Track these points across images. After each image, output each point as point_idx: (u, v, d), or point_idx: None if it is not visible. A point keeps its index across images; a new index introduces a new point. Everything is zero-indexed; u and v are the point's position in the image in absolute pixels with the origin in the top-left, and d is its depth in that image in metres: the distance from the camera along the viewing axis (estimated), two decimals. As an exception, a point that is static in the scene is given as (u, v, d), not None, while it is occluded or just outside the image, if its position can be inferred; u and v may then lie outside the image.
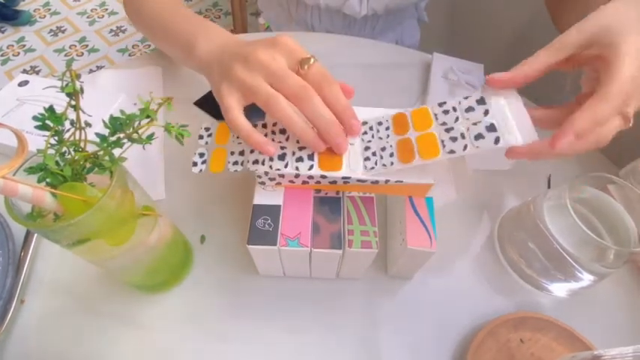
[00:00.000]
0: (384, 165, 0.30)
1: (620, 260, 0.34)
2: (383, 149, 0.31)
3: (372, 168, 0.30)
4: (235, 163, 0.32)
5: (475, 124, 0.29)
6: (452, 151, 0.28)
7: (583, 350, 0.34)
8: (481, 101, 0.29)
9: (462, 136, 0.28)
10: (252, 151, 0.32)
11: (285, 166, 0.31)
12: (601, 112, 0.26)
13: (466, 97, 0.30)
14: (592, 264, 0.34)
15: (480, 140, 0.28)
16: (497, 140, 0.27)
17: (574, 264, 0.34)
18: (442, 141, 0.29)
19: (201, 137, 0.35)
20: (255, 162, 0.32)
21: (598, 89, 0.26)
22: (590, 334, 0.35)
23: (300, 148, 0.32)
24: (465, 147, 0.28)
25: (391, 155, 0.30)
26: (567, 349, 0.35)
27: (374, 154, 0.31)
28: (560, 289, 0.38)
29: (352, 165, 0.30)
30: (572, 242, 0.34)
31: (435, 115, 0.31)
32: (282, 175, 0.32)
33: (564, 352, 0.35)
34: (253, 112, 0.32)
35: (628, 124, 0.28)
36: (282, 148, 0.32)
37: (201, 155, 0.33)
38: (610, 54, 0.26)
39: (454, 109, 0.30)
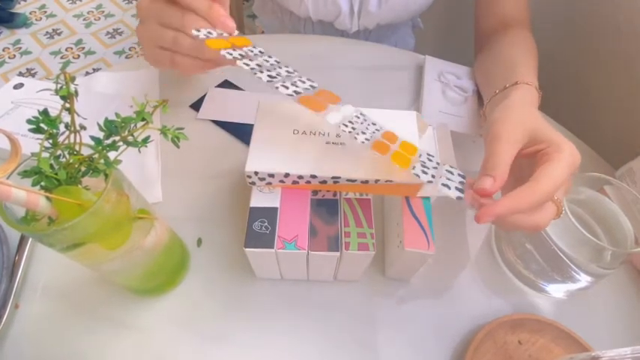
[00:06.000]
0: (355, 138, 0.30)
1: (616, 261, 0.34)
2: (363, 133, 0.31)
3: (344, 131, 0.30)
4: (229, 53, 0.31)
5: (449, 179, 0.30)
6: (417, 175, 0.29)
7: (581, 351, 0.34)
8: (461, 176, 0.31)
9: (432, 176, 0.30)
10: (250, 59, 0.32)
11: (268, 81, 0.30)
12: (532, 196, 0.27)
13: (452, 167, 0.32)
14: (589, 265, 0.34)
15: (445, 188, 0.29)
16: (459, 198, 0.29)
17: (571, 265, 0.34)
18: (414, 166, 0.30)
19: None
20: (246, 64, 0.31)
21: (535, 176, 0.28)
22: (587, 336, 0.35)
23: (293, 84, 0.31)
24: (431, 181, 0.29)
25: (367, 140, 0.30)
26: (565, 351, 0.35)
27: (354, 128, 0.30)
28: (557, 290, 0.38)
29: (330, 117, 0.30)
30: (568, 243, 0.34)
31: (420, 154, 0.31)
32: (271, 175, 0.32)
33: (562, 353, 0.35)
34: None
35: (560, 214, 0.30)
36: (278, 74, 0.32)
37: (210, 33, 0.32)
38: (554, 152, 0.29)
39: (438, 164, 0.31)
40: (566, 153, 0.29)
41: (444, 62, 0.56)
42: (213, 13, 0.33)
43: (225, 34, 0.33)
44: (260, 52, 0.34)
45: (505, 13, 0.52)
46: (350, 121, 0.31)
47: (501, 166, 0.29)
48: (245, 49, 0.33)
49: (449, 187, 0.29)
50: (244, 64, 0.30)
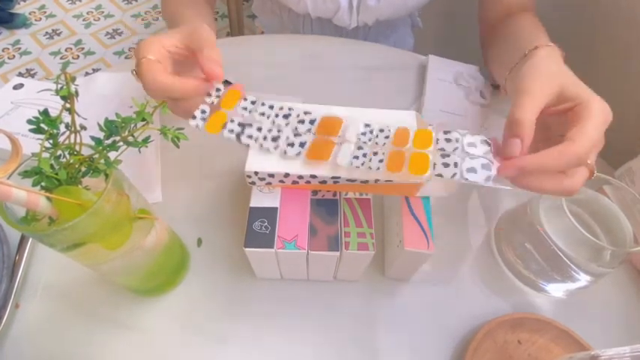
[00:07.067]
0: (369, 168, 0.30)
1: (616, 260, 0.34)
2: (375, 154, 0.31)
3: (357, 167, 0.30)
4: (231, 131, 0.32)
5: (472, 158, 0.30)
6: (440, 175, 0.29)
7: (580, 351, 0.34)
8: (486, 142, 0.30)
9: (455, 165, 0.29)
10: (250, 125, 0.33)
11: (275, 148, 0.32)
12: (565, 156, 0.27)
13: (473, 134, 0.31)
14: (588, 264, 0.34)
15: (471, 173, 0.29)
16: (488, 179, 0.28)
17: (570, 264, 0.34)
18: (434, 164, 0.30)
19: (209, 95, 0.34)
20: (249, 137, 0.32)
21: (569, 136, 0.27)
22: (587, 335, 0.35)
23: (296, 135, 0.32)
24: (454, 175, 0.29)
25: (380, 161, 0.30)
26: (565, 350, 0.35)
27: (364, 155, 0.31)
28: (557, 289, 0.38)
29: (339, 159, 0.31)
30: (568, 243, 0.34)
31: (437, 139, 0.31)
32: (271, 175, 0.32)
33: (562, 352, 0.35)
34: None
35: (592, 175, 0.29)
36: (279, 131, 0.33)
37: (203, 112, 0.33)
38: (583, 110, 0.28)
39: (457, 140, 0.31)
40: (596, 112, 0.28)
41: (447, 61, 0.56)
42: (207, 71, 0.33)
43: (214, 95, 0.34)
44: (252, 102, 0.34)
45: (510, 3, 0.52)
46: (359, 147, 0.31)
47: (527, 122, 0.28)
48: (239, 108, 0.33)
49: (475, 171, 0.29)
50: (247, 137, 0.32)
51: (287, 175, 0.32)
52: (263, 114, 0.34)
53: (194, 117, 0.33)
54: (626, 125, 0.57)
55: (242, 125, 0.33)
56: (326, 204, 0.33)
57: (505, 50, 0.47)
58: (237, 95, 0.34)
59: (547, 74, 0.31)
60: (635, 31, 0.54)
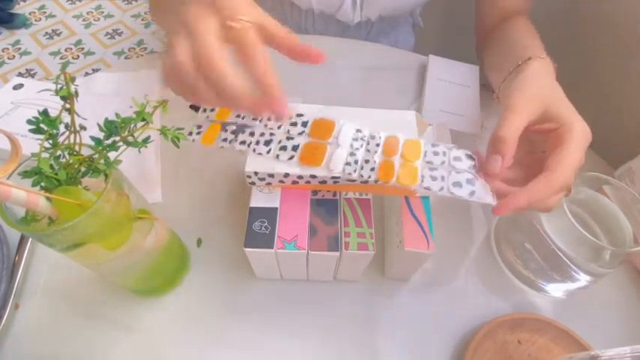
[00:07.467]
0: (361, 175, 0.31)
1: (616, 260, 0.34)
2: (367, 161, 0.31)
3: (349, 174, 0.31)
4: (225, 140, 0.33)
5: (458, 172, 0.31)
6: (427, 188, 0.30)
7: (580, 351, 0.34)
8: (470, 157, 0.32)
9: (442, 178, 0.30)
10: (242, 132, 0.33)
11: (268, 152, 0.32)
12: (550, 187, 0.29)
13: (458, 148, 0.32)
14: (588, 264, 0.34)
15: (456, 188, 0.30)
16: (472, 194, 0.30)
17: (570, 264, 0.34)
18: (422, 176, 0.31)
19: (204, 111, 0.35)
20: (242, 143, 0.32)
21: (550, 165, 0.29)
22: (587, 335, 0.35)
23: (288, 138, 0.33)
24: (441, 189, 0.30)
25: (372, 170, 0.31)
26: (565, 350, 0.35)
27: (356, 162, 0.31)
28: (556, 289, 0.38)
29: (332, 165, 0.31)
30: (568, 243, 0.34)
31: (425, 152, 0.32)
32: (271, 175, 0.32)
33: (562, 352, 0.35)
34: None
35: (569, 193, 0.31)
36: (271, 134, 0.33)
37: (199, 127, 0.34)
38: (566, 133, 0.30)
39: (444, 153, 0.32)
40: (577, 133, 0.30)
41: (447, 61, 0.56)
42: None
43: (208, 110, 0.34)
44: (243, 117, 0.34)
45: (507, 8, 0.53)
46: (351, 152, 0.32)
47: (509, 141, 0.30)
48: (232, 117, 0.34)
49: (460, 185, 0.30)
50: (240, 143, 0.32)
51: (287, 175, 0.32)
52: (255, 118, 0.34)
53: (190, 133, 0.33)
54: (626, 125, 0.57)
55: (235, 132, 0.33)
56: (326, 204, 0.33)
57: (500, 57, 0.48)
58: (227, 110, 0.35)
59: (533, 93, 0.33)
60: (635, 31, 0.54)
